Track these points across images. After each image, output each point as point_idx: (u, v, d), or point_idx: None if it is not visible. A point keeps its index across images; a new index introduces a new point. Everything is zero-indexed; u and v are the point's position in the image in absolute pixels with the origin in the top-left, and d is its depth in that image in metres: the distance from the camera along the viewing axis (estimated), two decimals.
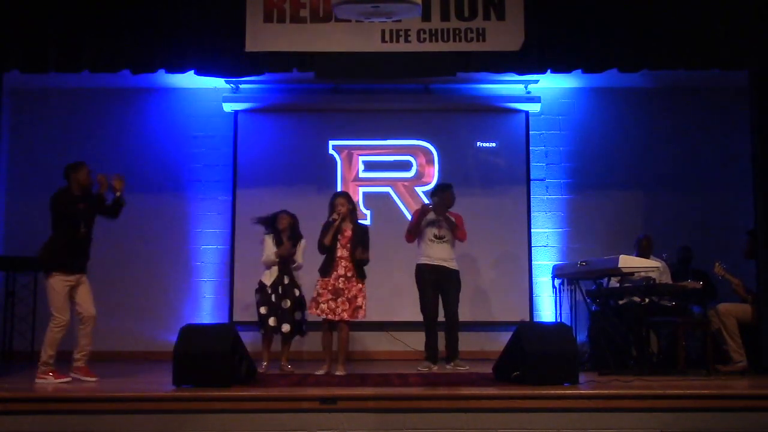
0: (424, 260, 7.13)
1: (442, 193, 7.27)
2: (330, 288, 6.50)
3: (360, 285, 6.57)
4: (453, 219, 7.13)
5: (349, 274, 6.55)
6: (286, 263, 7.08)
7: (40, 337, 8.14)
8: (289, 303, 6.97)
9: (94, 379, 6.16)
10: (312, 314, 6.67)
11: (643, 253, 7.34)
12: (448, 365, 6.95)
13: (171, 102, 8.97)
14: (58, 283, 6.14)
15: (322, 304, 6.48)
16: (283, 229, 7.14)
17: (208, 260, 8.80)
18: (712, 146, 8.77)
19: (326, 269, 6.58)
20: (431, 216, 7.13)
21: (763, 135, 6.78)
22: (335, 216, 6.68)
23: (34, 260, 8.03)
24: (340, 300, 6.48)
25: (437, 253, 7.08)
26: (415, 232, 7.19)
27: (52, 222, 6.29)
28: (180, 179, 8.80)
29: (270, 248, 7.08)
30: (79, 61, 6.52)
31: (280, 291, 6.98)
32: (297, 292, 7.05)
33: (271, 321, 6.94)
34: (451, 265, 7.12)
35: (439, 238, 7.09)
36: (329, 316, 6.48)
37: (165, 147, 8.88)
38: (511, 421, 4.99)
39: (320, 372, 6.44)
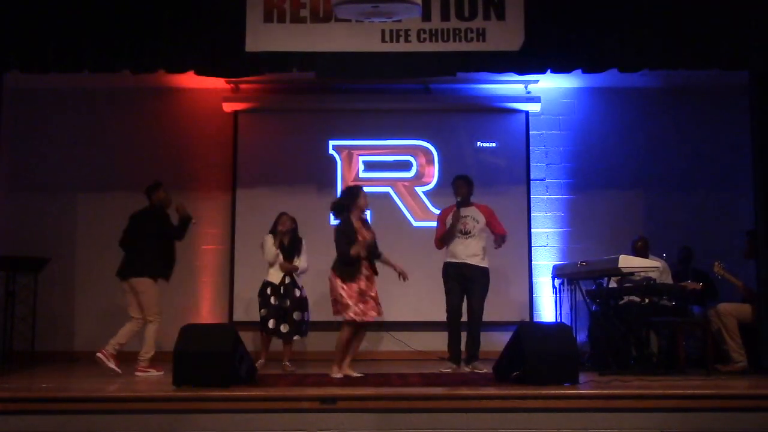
0: (449, 259, 7.00)
1: (453, 184, 7.21)
2: (357, 290, 6.25)
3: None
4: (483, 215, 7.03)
5: (368, 273, 6.35)
6: (286, 264, 7.13)
7: (40, 337, 8.23)
8: (288, 303, 7.02)
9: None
10: (340, 318, 6.31)
11: (638, 255, 7.32)
12: (467, 367, 6.85)
13: (171, 102, 8.97)
14: (151, 283, 6.72)
15: (353, 307, 6.22)
16: (285, 232, 7.18)
17: (208, 260, 8.80)
18: (712, 146, 8.77)
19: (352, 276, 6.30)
20: (456, 213, 7.00)
21: (764, 135, 6.78)
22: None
23: (33, 260, 8.10)
24: (368, 299, 6.29)
25: (463, 250, 6.91)
26: (446, 238, 7.04)
27: (140, 237, 6.80)
28: (180, 179, 8.78)
29: (271, 246, 7.12)
30: (79, 62, 6.52)
31: (281, 291, 7.04)
32: (298, 293, 7.11)
33: (271, 323, 7.00)
34: (478, 262, 6.92)
35: (464, 233, 6.94)
36: (362, 318, 6.27)
37: (165, 147, 8.88)
38: (511, 421, 4.99)
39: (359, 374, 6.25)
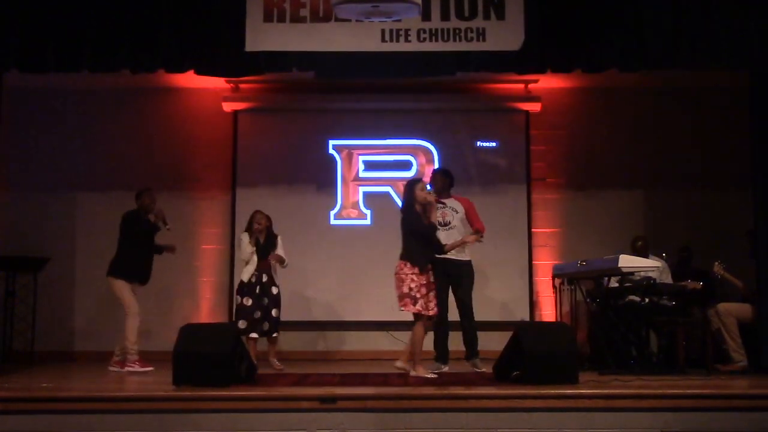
0: None
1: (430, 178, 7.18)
2: (425, 283, 6.20)
3: None
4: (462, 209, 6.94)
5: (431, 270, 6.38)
6: (264, 261, 7.15)
7: (40, 336, 8.24)
8: (266, 301, 7.05)
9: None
10: (408, 311, 6.18)
11: (638, 255, 7.31)
12: (467, 363, 6.80)
13: (171, 102, 8.97)
14: (122, 283, 6.92)
15: (420, 300, 6.15)
16: (260, 230, 7.18)
17: (208, 260, 8.80)
18: (712, 146, 8.75)
19: (425, 264, 6.28)
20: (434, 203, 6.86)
21: (763, 135, 6.78)
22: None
23: (33, 260, 8.11)
24: (431, 294, 6.24)
25: (444, 241, 6.70)
26: None
27: (120, 238, 7.07)
28: (180, 179, 8.79)
29: (247, 244, 7.19)
30: (79, 61, 6.50)
31: (257, 290, 7.06)
32: (275, 290, 7.13)
33: (241, 323, 7.01)
34: (461, 256, 6.84)
35: (444, 225, 6.84)
36: (427, 312, 6.21)
37: (164, 147, 8.88)
38: (510, 421, 4.99)
39: (433, 375, 6.15)
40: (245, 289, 7.13)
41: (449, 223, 6.90)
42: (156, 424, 4.97)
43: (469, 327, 6.86)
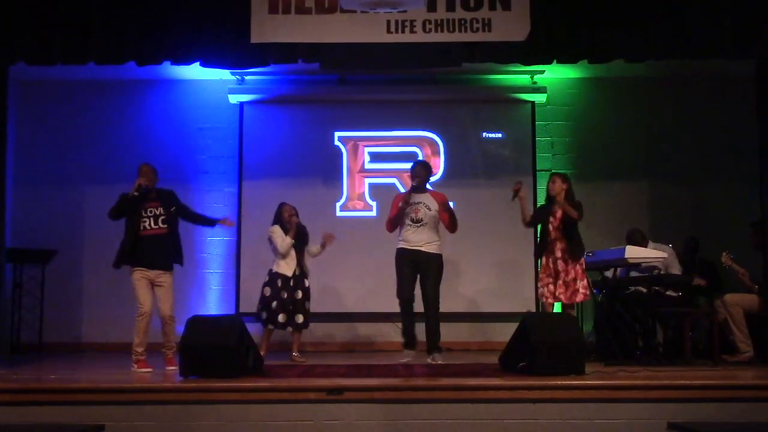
0: (401, 244, 6.73)
1: (411, 170, 6.98)
2: (549, 271, 6.49)
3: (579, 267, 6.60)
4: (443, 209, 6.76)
5: (566, 256, 6.55)
6: (301, 254, 7.15)
7: (48, 328, 8.27)
8: (300, 294, 7.06)
9: (173, 368, 6.22)
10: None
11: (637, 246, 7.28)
12: (428, 358, 6.60)
13: (176, 94, 8.98)
14: (134, 275, 6.42)
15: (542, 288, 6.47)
16: (296, 222, 7.15)
17: (215, 252, 8.82)
18: (718, 136, 8.74)
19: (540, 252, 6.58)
20: (408, 197, 6.74)
21: None
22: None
23: (40, 252, 8.13)
24: (559, 283, 6.46)
25: (414, 236, 6.65)
26: (395, 220, 6.77)
27: None
28: (186, 171, 8.81)
29: (284, 237, 7.09)
30: (85, 53, 6.52)
31: (291, 283, 7.06)
32: (306, 283, 7.14)
33: (281, 317, 7.00)
34: (431, 248, 6.64)
35: (416, 221, 6.67)
36: (550, 300, 6.43)
37: (170, 139, 8.90)
38: (517, 412, 5.00)
39: None
40: (284, 282, 7.08)
41: (421, 220, 6.68)
42: (163, 416, 4.99)
43: (433, 323, 6.66)
